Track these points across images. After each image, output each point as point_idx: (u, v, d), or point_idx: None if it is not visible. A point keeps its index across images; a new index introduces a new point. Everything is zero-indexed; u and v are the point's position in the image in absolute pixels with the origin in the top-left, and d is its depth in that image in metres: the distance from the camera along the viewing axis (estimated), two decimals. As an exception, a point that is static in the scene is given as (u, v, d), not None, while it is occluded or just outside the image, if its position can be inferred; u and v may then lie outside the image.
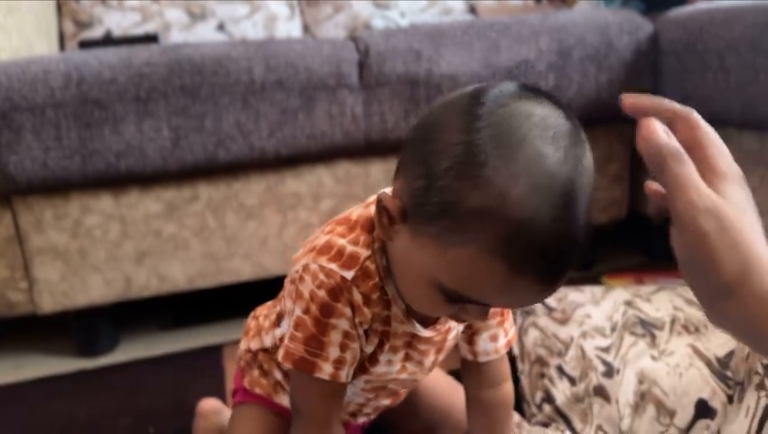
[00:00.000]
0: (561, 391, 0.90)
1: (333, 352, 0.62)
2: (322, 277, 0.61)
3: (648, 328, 0.93)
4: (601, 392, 0.88)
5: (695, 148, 0.47)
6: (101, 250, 1.25)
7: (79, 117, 1.14)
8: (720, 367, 0.86)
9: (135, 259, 1.27)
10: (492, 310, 0.62)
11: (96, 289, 1.27)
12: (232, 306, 1.46)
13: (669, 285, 1.08)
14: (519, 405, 0.95)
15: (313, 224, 1.33)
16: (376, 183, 1.35)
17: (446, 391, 0.86)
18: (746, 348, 0.87)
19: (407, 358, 0.68)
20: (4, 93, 1.10)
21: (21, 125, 1.11)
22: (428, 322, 0.67)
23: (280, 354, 0.64)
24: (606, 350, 0.92)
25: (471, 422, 0.77)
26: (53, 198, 1.20)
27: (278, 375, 0.78)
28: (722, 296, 0.44)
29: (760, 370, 0.85)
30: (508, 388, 0.75)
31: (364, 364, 0.67)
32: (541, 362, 0.97)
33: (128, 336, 1.40)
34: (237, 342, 1.32)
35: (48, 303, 1.25)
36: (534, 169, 0.49)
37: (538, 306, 1.07)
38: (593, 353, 0.92)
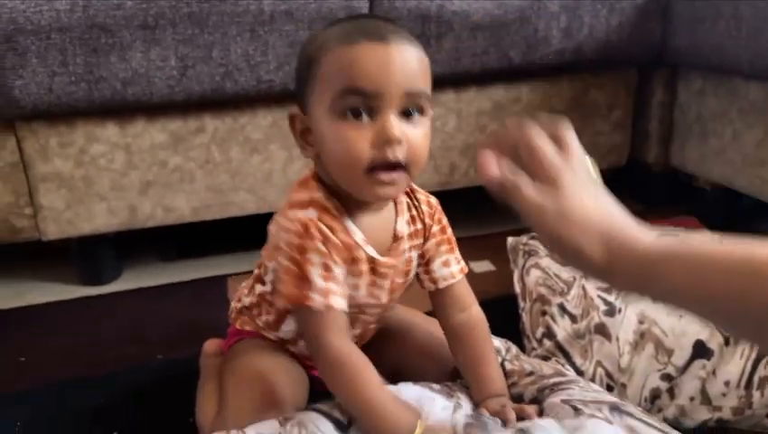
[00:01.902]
0: (562, 328, 0.93)
1: (319, 282, 0.68)
2: (288, 224, 0.69)
3: (649, 271, 0.96)
4: (601, 330, 0.90)
5: (530, 155, 0.54)
6: (106, 179, 1.25)
7: (85, 43, 1.12)
8: (718, 310, 0.89)
9: (139, 190, 1.27)
10: (439, 238, 0.79)
11: (100, 218, 1.27)
12: (236, 238, 1.47)
13: (671, 231, 1.09)
14: (520, 340, 0.98)
15: (318, 160, 1.33)
16: (381, 122, 1.34)
17: (423, 322, 0.89)
18: (745, 292, 0.90)
19: (372, 284, 0.75)
20: (9, 14, 1.07)
21: (26, 48, 1.09)
22: (384, 251, 0.75)
23: (279, 302, 0.72)
24: (608, 290, 0.94)
25: (453, 352, 0.81)
26: (58, 125, 1.19)
27: (261, 323, 0.85)
28: (606, 275, 0.50)
29: (756, 313, 0.88)
30: (476, 310, 0.81)
31: None
32: (543, 300, 0.99)
33: (131, 267, 1.41)
34: (241, 274, 1.34)
35: (53, 230, 1.25)
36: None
37: (541, 248, 1.09)
38: (594, 292, 0.95)
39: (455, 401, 0.73)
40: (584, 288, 0.96)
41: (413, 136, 0.66)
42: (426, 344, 0.86)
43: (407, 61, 0.65)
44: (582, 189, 0.52)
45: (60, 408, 0.96)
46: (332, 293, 0.69)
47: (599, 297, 0.94)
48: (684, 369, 0.85)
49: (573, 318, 0.94)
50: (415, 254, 0.79)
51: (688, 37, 1.38)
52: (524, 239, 1.14)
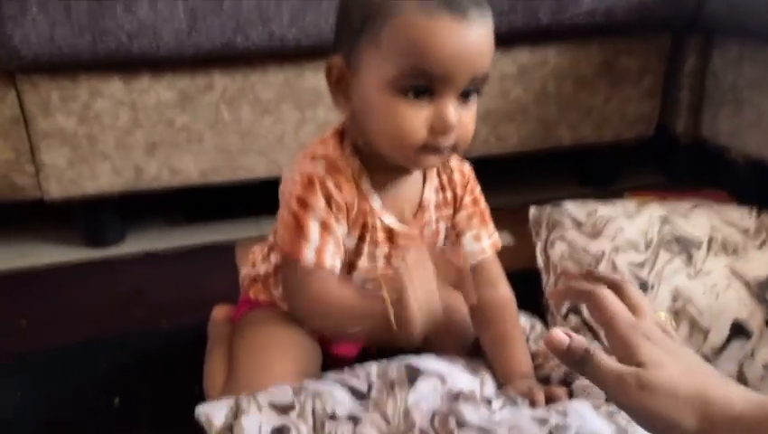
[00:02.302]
0: (590, 305, 0.88)
1: (314, 238, 0.67)
2: (297, 177, 0.68)
3: (685, 246, 0.90)
4: (632, 308, 0.85)
5: (602, 322, 0.53)
6: (110, 137, 1.19)
7: (88, -9, 1.05)
8: (759, 289, 0.83)
9: (145, 149, 1.22)
10: (470, 210, 0.76)
11: (104, 177, 1.22)
12: (246, 203, 1.42)
13: (704, 203, 1.04)
14: (543, 316, 0.93)
15: (332, 122, 1.27)
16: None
17: (445, 293, 0.84)
18: (789, 271, 0.84)
19: (390, 255, 0.72)
20: (8, -41, 1.01)
21: (26, -5, 1.03)
22: (407, 219, 0.72)
23: (277, 249, 0.72)
24: (641, 265, 0.89)
25: (478, 330, 0.77)
26: (60, 79, 1.14)
27: (276, 294, 0.81)
28: None
29: (800, 294, 0.82)
30: (506, 290, 0.78)
31: (351, 261, 0.72)
32: (567, 274, 0.94)
33: (136, 230, 1.37)
34: (250, 240, 1.30)
35: (55, 189, 1.20)
36: None
37: (566, 220, 1.03)
38: (626, 267, 0.89)
39: (480, 378, 0.68)
40: (614, 263, 0.90)
41: (465, 118, 0.64)
42: (445, 316, 0.81)
43: (482, 42, 0.61)
44: (662, 353, 0.49)
45: (62, 373, 0.92)
46: (327, 252, 0.68)
47: (631, 272, 0.88)
48: (721, 350, 0.80)
49: (601, 294, 0.88)
50: (443, 226, 0.75)
51: (726, 0, 1.30)
52: (548, 209, 1.08)
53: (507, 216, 1.34)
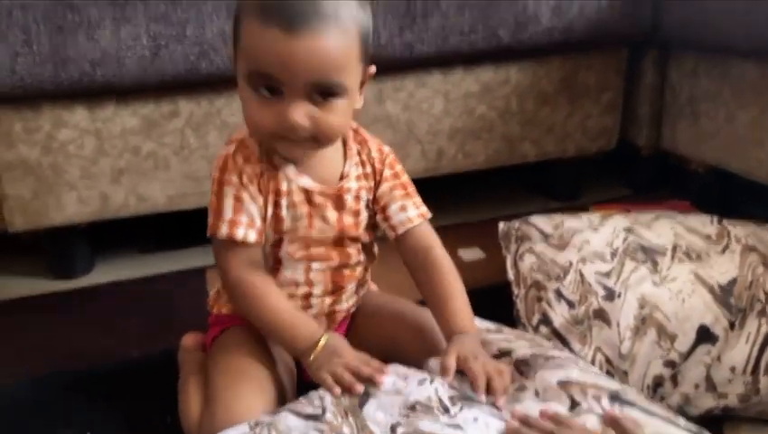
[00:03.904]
0: (559, 314, 0.89)
1: (227, 212, 0.73)
2: (216, 162, 0.76)
3: (649, 254, 0.92)
4: (601, 316, 0.86)
5: None
6: (76, 167, 1.18)
7: (50, 20, 1.05)
8: (723, 294, 0.85)
9: (111, 178, 1.21)
10: (391, 183, 0.81)
11: (70, 208, 1.20)
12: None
13: (667, 213, 1.06)
14: (514, 328, 0.93)
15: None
16: (366, 105, 1.28)
17: (415, 309, 0.86)
18: (750, 276, 0.87)
19: (310, 215, 0.77)
20: (-34, -10, 1.00)
21: (-15, 26, 1.02)
22: (317, 179, 0.78)
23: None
24: (607, 275, 0.90)
25: (423, 294, 0.81)
26: (23, 109, 1.12)
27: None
28: None
29: (762, 297, 0.84)
30: (440, 251, 0.82)
31: (275, 225, 0.77)
32: (538, 286, 0.95)
33: (105, 259, 1.35)
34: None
35: (19, 221, 1.19)
36: None
37: (534, 233, 1.05)
38: (593, 277, 0.90)
39: (435, 386, 0.67)
40: (581, 273, 0.92)
41: (322, 118, 0.69)
42: (417, 330, 0.81)
43: (315, 55, 0.65)
44: None
45: (31, 405, 0.90)
46: (239, 224, 0.74)
47: (597, 281, 0.90)
48: (688, 355, 0.82)
49: (570, 304, 0.89)
50: (365, 195, 0.81)
51: (680, 15, 1.34)
52: (516, 224, 1.09)
53: (477, 231, 1.37)
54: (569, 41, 1.34)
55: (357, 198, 0.80)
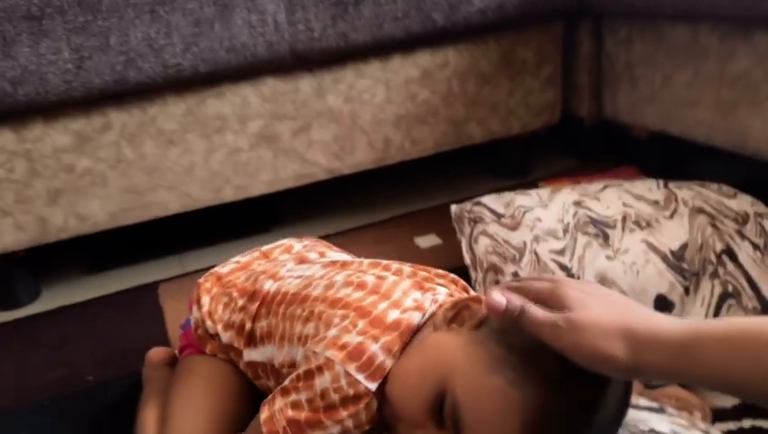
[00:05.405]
0: (519, 298, 0.89)
1: None
2: (343, 383, 0.59)
3: (600, 227, 0.92)
4: (559, 295, 0.86)
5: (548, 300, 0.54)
6: (8, 192, 1.12)
7: (-40, 41, 0.99)
8: (675, 260, 0.86)
9: (48, 199, 1.15)
10: None
11: (7, 235, 1.15)
12: (164, 242, 1.37)
13: (614, 182, 1.07)
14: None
15: (242, 147, 1.25)
16: (306, 100, 1.26)
17: None
18: (699, 238, 0.88)
19: None
20: None
21: None
22: None
23: (263, 413, 0.63)
24: (561, 252, 0.90)
25: None
26: (-58, 137, 1.06)
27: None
28: (635, 371, 0.49)
29: (713, 259, 0.86)
30: None
31: None
32: (495, 269, 0.94)
33: (50, 284, 1.29)
34: (172, 278, 1.25)
35: (-48, 254, 1.13)
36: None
37: (486, 214, 1.04)
38: (548, 257, 0.90)
39: None
40: (536, 253, 0.92)
41: None
42: None
43: None
44: (586, 296, 0.53)
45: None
46: None
47: (553, 260, 0.90)
48: (647, 324, 0.82)
49: (528, 285, 0.89)
50: None
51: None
52: (468, 206, 1.09)
53: (431, 218, 1.36)
54: (503, 19, 1.33)
55: None
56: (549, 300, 0.53)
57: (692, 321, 0.49)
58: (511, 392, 0.53)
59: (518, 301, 0.54)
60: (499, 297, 0.54)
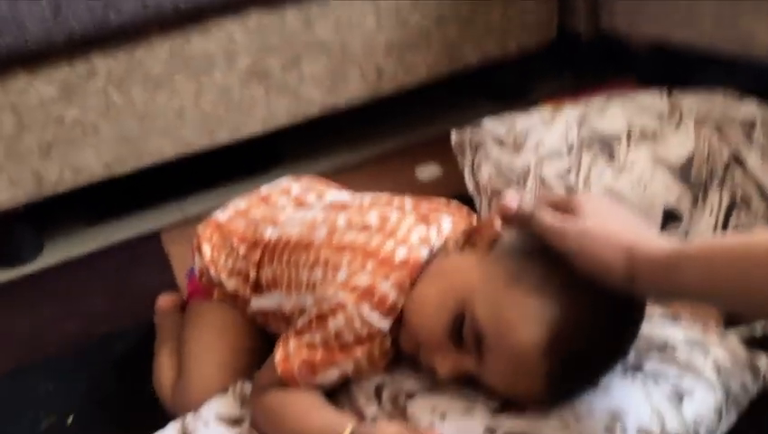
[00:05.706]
0: (526, 220, 0.88)
1: (321, 383, 0.63)
2: (357, 324, 0.60)
3: (605, 143, 0.90)
4: (567, 214, 0.86)
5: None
6: (-1, 148, 1.10)
7: (-70, -7, 0.95)
8: (682, 171, 0.85)
9: (40, 153, 1.13)
10: None
11: (3, 192, 1.13)
12: (163, 188, 1.35)
13: (616, 95, 1.04)
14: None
15: (232, 86, 1.21)
16: (294, 33, 1.22)
17: None
18: (706, 149, 0.86)
19: None
20: None
21: None
22: None
23: (277, 354, 0.64)
24: (567, 172, 0.89)
25: None
26: (-75, 95, 1.03)
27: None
28: (629, 283, 0.50)
29: (720, 168, 0.85)
30: None
31: None
32: (500, 195, 0.93)
33: (53, 239, 1.28)
34: (175, 225, 1.24)
35: (-51, 215, 1.11)
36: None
37: (488, 139, 1.02)
38: (553, 177, 0.89)
39: None
40: (541, 176, 0.90)
41: None
42: None
43: None
44: (597, 207, 0.54)
45: (7, 401, 0.88)
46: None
47: (559, 180, 0.88)
48: (657, 238, 0.82)
49: (534, 207, 0.88)
50: None
51: None
52: (468, 131, 1.06)
53: (431, 147, 1.34)
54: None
55: None
56: (564, 207, 0.54)
57: (681, 243, 0.51)
58: (532, 301, 0.53)
59: (529, 204, 0.55)
60: (512, 198, 0.55)
